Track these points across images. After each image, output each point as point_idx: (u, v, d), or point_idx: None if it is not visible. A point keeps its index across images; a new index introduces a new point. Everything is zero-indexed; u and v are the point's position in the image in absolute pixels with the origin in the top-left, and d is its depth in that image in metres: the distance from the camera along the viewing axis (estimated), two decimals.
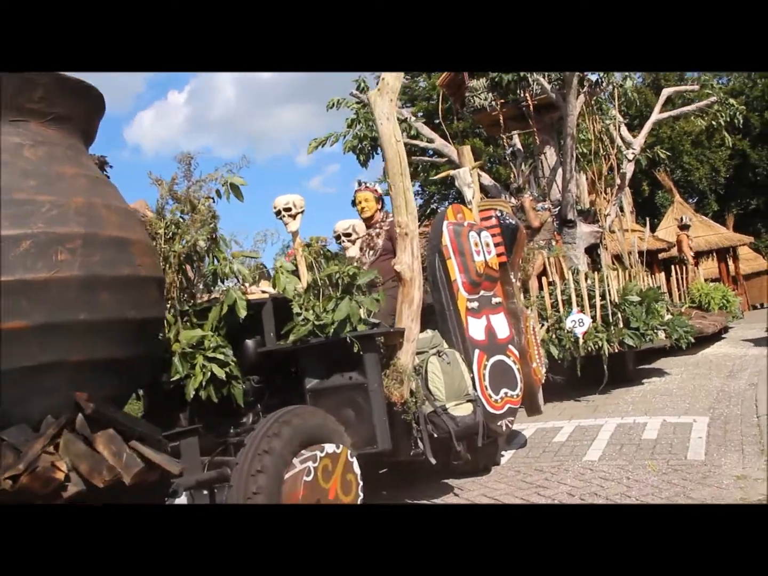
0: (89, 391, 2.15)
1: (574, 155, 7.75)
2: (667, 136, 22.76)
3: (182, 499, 2.46)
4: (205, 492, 2.65)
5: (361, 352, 3.08)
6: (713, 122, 10.18)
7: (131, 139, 75.64)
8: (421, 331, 3.80)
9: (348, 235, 3.48)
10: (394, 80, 3.35)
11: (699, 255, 14.01)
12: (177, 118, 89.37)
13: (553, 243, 7.36)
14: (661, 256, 13.37)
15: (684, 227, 12.26)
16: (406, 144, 9.80)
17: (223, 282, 3.06)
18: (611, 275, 6.45)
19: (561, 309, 6.25)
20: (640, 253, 8.44)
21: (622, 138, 9.23)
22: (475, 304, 3.91)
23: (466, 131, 17.06)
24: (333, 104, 9.66)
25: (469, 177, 4.57)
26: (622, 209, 8.79)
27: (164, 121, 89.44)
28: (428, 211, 19.60)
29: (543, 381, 4.53)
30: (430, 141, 9.60)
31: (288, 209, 3.31)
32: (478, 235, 4.03)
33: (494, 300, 4.09)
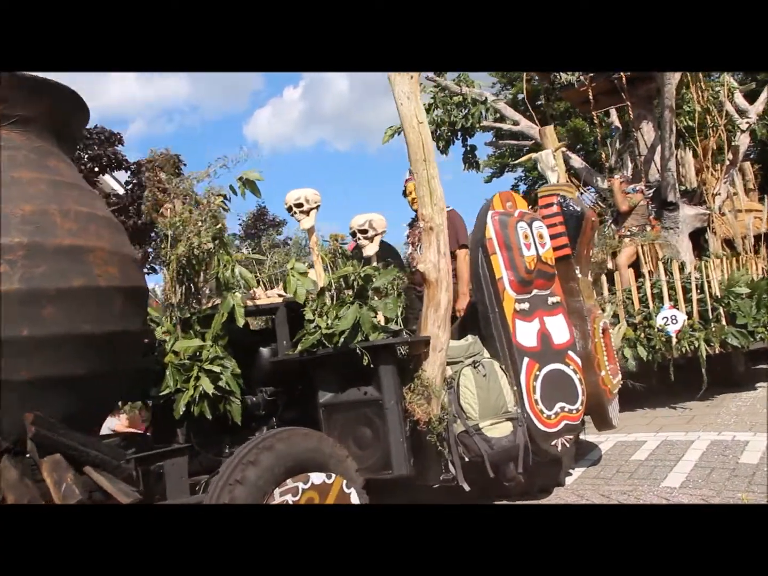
0: (41, 410, 1.97)
1: (674, 130, 6.84)
2: None
3: None
4: None
5: (375, 365, 2.73)
6: None
7: (250, 135, 78.98)
8: (462, 336, 3.38)
9: (364, 231, 3.04)
10: None
11: None
12: (292, 114, 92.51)
13: (648, 228, 6.53)
14: None
15: None
16: (490, 128, 9.32)
17: (226, 287, 2.80)
18: (711, 264, 5.56)
19: (651, 304, 5.50)
20: (757, 237, 7.28)
21: (736, 106, 8.08)
22: (525, 306, 3.41)
23: (568, 111, 16.04)
24: None
25: (552, 160, 4.09)
26: (735, 187, 7.66)
27: (280, 117, 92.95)
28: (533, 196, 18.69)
29: (615, 392, 3.92)
30: (515, 123, 8.95)
31: (299, 205, 3.00)
32: (529, 226, 3.52)
33: (551, 300, 3.57)
